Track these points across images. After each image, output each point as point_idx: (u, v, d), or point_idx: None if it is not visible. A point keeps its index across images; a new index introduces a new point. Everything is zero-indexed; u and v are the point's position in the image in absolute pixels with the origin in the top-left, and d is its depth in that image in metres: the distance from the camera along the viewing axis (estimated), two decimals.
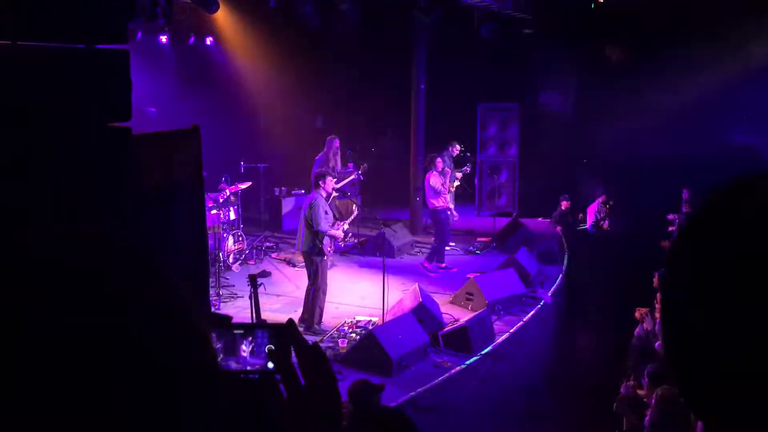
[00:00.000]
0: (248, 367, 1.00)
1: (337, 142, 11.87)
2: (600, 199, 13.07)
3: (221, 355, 1.00)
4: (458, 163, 12.17)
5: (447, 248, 12.10)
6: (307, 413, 0.90)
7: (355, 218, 10.16)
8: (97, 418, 0.56)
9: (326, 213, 8.08)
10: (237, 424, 0.90)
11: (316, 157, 11.70)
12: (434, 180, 10.48)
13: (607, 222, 12.96)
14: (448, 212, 10.75)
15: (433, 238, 12.29)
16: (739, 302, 0.62)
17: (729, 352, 0.62)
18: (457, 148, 12.03)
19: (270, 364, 0.98)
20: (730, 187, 0.68)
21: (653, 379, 5.63)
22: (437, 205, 10.54)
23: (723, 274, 0.63)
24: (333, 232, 8.12)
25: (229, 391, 0.93)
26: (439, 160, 10.74)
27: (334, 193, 10.43)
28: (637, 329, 7.01)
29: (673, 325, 0.70)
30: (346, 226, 8.85)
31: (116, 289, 0.61)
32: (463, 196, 14.15)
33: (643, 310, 8.18)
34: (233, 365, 1.00)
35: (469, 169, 12.63)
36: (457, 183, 12.03)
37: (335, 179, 11.01)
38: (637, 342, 6.72)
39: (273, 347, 0.98)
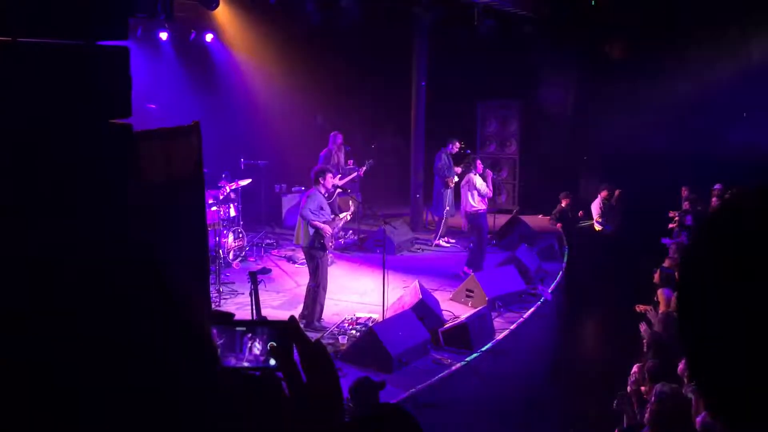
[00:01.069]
0: (249, 364, 1.00)
1: (340, 138, 11.88)
2: (602, 195, 13.08)
3: (221, 352, 0.99)
4: (459, 160, 12.15)
5: (446, 244, 12.11)
6: (308, 410, 0.90)
7: (354, 214, 10.12)
8: (99, 413, 0.56)
9: (321, 208, 8.00)
10: (238, 421, 0.90)
11: (321, 153, 11.72)
12: (479, 182, 10.22)
13: (613, 216, 12.96)
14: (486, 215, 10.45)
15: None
16: (756, 301, 0.65)
17: (746, 350, 0.65)
18: (456, 146, 12.00)
19: (272, 361, 0.98)
20: (749, 190, 0.71)
21: (652, 375, 5.63)
22: (478, 207, 10.25)
23: (742, 277, 0.66)
24: (317, 223, 7.86)
25: (231, 388, 0.93)
26: (479, 161, 10.54)
27: (339, 189, 10.40)
28: (644, 325, 7.03)
29: (689, 324, 0.72)
30: (349, 217, 8.77)
31: (117, 286, 0.61)
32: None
33: (644, 306, 8.19)
34: (233, 362, 1.00)
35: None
36: (456, 179, 12.01)
37: (339, 175, 11.02)
38: (652, 337, 6.71)
39: (275, 344, 0.98)
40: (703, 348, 0.70)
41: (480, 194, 10.20)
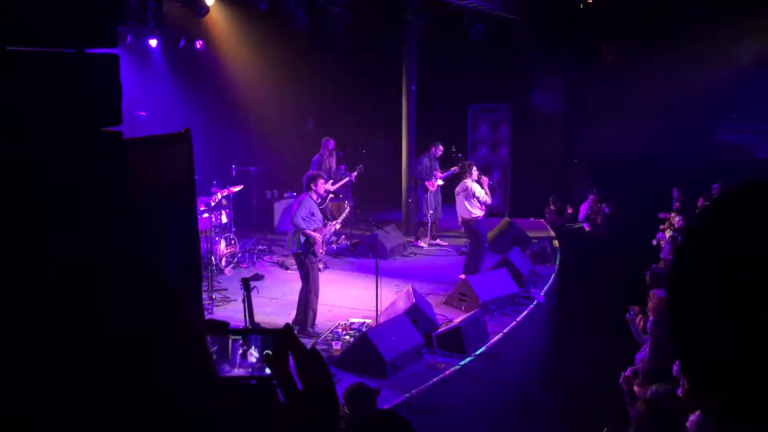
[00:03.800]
0: (244, 372, 0.99)
1: (332, 143, 11.93)
2: (591, 198, 13.17)
3: (216, 360, 0.99)
4: (451, 163, 12.18)
5: (424, 245, 12.12)
6: (304, 418, 0.90)
7: (346, 218, 10.12)
8: (92, 420, 0.55)
9: (313, 215, 7.98)
10: (234, 431, 0.90)
11: (313, 159, 11.73)
12: (478, 189, 10.00)
13: (599, 218, 13.05)
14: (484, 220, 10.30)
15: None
16: (751, 304, 0.65)
17: (743, 350, 0.66)
18: (440, 149, 12.07)
19: (267, 369, 0.97)
20: (741, 190, 0.71)
21: (647, 376, 5.66)
22: (476, 214, 10.03)
23: (733, 277, 0.67)
24: (309, 231, 7.85)
25: (226, 397, 0.93)
26: (474, 168, 10.31)
27: (331, 195, 10.39)
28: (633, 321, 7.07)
29: (681, 324, 0.73)
30: (338, 226, 8.78)
31: (109, 296, 0.60)
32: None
33: (636, 307, 8.22)
34: (228, 370, 1.00)
35: (457, 170, 12.64)
36: (440, 182, 12.07)
37: (331, 181, 11.03)
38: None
39: (270, 352, 0.98)
40: (696, 348, 0.71)
41: (480, 201, 10.09)
